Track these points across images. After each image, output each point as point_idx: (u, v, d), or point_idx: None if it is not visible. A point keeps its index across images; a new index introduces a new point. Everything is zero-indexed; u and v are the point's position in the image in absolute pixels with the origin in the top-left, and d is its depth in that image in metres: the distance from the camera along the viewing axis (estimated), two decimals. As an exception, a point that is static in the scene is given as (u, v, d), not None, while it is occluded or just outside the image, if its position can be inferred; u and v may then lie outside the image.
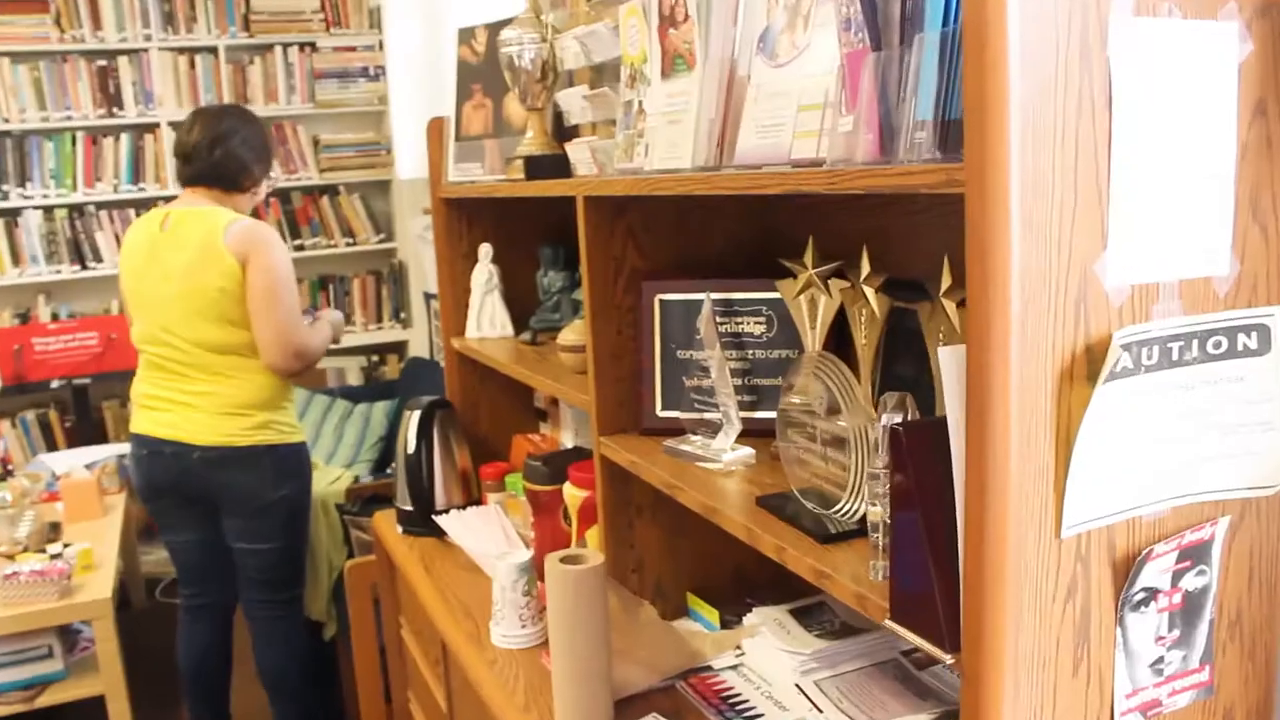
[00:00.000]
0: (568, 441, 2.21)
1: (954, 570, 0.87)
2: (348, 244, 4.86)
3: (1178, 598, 0.93)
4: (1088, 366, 0.83)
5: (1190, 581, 0.93)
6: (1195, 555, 0.93)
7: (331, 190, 4.85)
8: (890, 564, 0.95)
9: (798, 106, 1.19)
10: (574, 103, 1.80)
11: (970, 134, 0.78)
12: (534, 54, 1.83)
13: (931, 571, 0.88)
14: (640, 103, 1.52)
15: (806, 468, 1.24)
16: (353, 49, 4.77)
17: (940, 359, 0.85)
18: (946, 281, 1.14)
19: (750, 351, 1.55)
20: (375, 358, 5.01)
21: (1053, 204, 0.79)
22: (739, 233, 1.66)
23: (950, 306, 1.14)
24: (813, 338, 1.44)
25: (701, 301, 1.54)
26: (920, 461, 0.88)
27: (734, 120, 1.34)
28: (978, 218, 0.79)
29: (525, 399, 2.40)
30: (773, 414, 1.53)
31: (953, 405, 0.84)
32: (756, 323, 1.55)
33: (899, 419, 0.99)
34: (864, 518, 1.13)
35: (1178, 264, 0.86)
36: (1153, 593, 0.91)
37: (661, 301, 1.56)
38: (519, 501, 2.08)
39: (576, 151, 1.76)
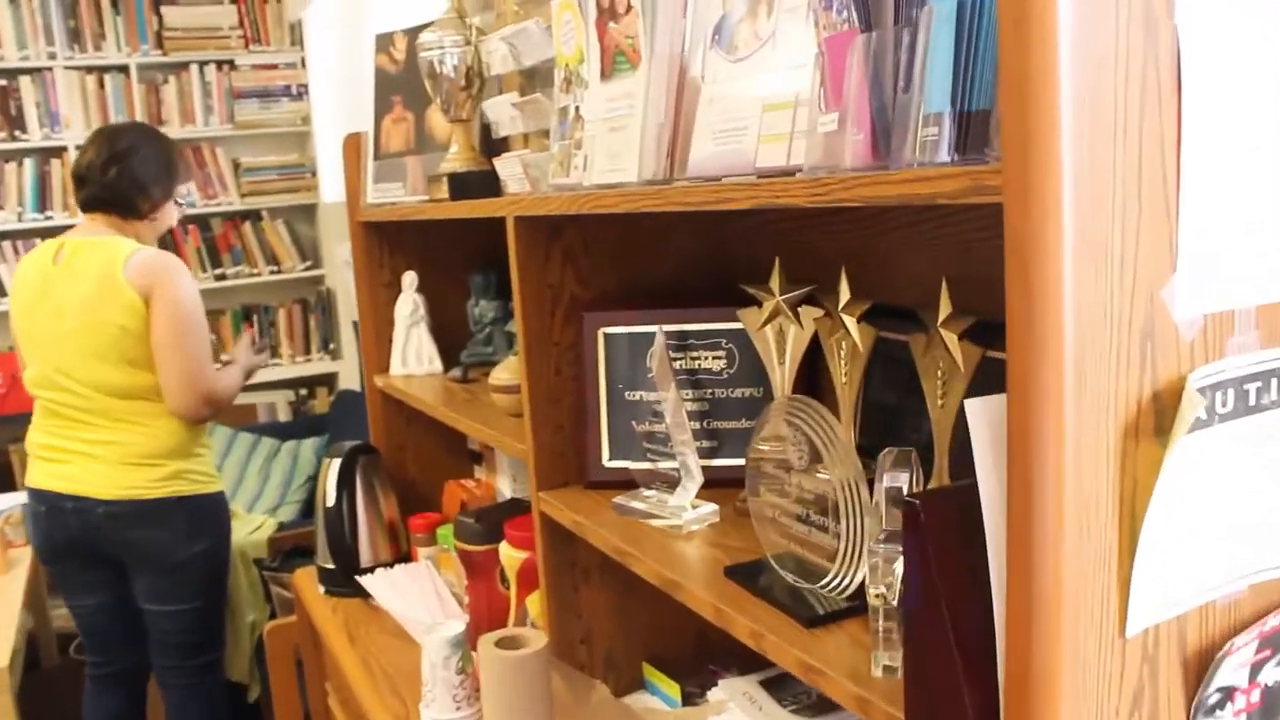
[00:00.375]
0: (505, 487, 2.00)
1: (989, 676, 0.69)
2: (272, 272, 4.60)
3: (1256, 695, 0.75)
4: (1155, 418, 0.65)
5: (1271, 674, 0.75)
6: (1277, 643, 0.75)
7: (254, 215, 4.59)
8: (905, 665, 0.76)
9: (763, 107, 1.01)
10: (503, 112, 1.60)
11: (1010, 126, 0.60)
12: (457, 59, 1.64)
13: (960, 677, 0.70)
14: (577, 109, 1.34)
15: (783, 531, 1.05)
16: (274, 67, 4.52)
17: (970, 413, 0.66)
18: (946, 309, 0.97)
19: (709, 391, 1.36)
20: (304, 391, 4.75)
21: (1113, 214, 0.61)
22: (691, 255, 1.47)
23: (951, 339, 0.96)
24: (781, 374, 1.25)
25: (652, 335, 1.35)
26: (943, 540, 0.69)
27: (686, 126, 1.15)
28: (1020, 232, 0.61)
29: (458, 440, 2.19)
30: (735, 461, 1.35)
31: (987, 470, 0.66)
32: (715, 358, 1.36)
33: (902, 480, 0.81)
34: (858, 593, 0.94)
35: (1256, 286, 0.69)
36: (1229, 692, 0.73)
37: (606, 335, 1.37)
38: (452, 556, 1.87)
39: (506, 167, 1.57)
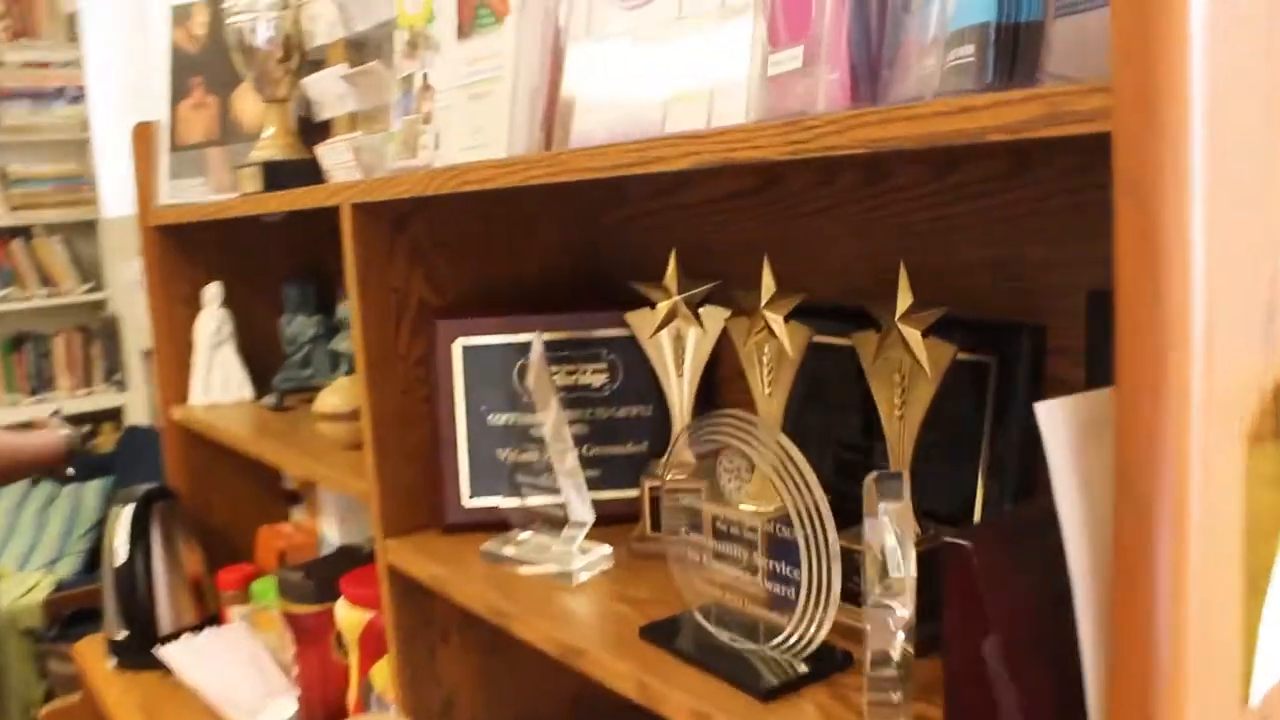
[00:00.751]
0: (331, 530, 1.73)
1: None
2: (48, 295, 4.11)
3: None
4: (1277, 420, 0.49)
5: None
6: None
7: (25, 232, 4.10)
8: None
9: (671, 58, 0.82)
10: (328, 89, 1.36)
11: (1125, 24, 0.43)
12: (274, 26, 1.38)
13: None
14: (425, 77, 1.11)
15: (710, 577, 0.85)
16: (45, 65, 4.05)
17: (1045, 422, 0.48)
18: (906, 299, 0.80)
19: (588, 411, 1.16)
20: (86, 428, 4.25)
21: (1253, 147, 0.45)
22: (559, 255, 1.27)
23: (914, 336, 0.79)
24: (680, 388, 1.06)
25: (518, 346, 1.14)
26: (1002, 592, 0.51)
27: (569, 89, 0.95)
28: (1136, 170, 0.43)
29: (271, 478, 1.90)
30: (622, 493, 1.15)
31: (1073, 497, 0.48)
32: (595, 371, 1.16)
33: (894, 506, 0.63)
34: (821, 652, 0.76)
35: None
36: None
37: (464, 348, 1.14)
38: (272, 615, 1.59)
39: (332, 154, 1.32)
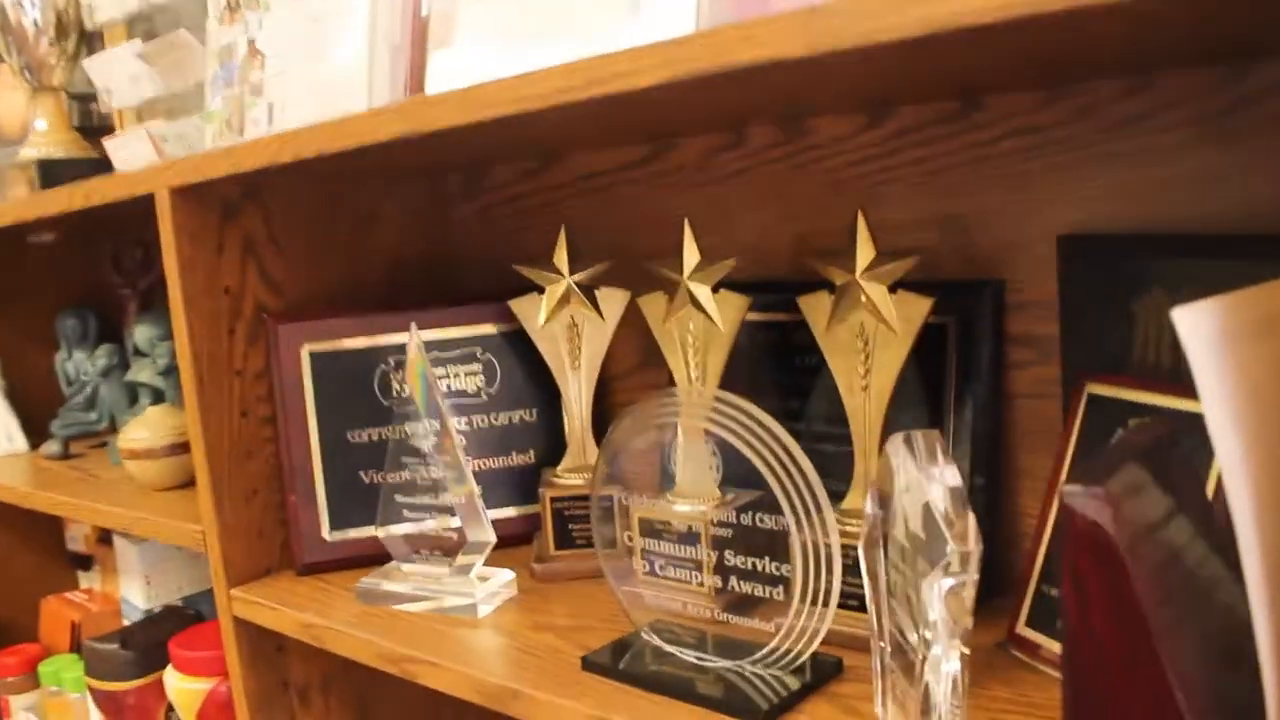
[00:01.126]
0: (135, 594, 1.49)
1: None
2: None
3: None
4: None
5: None
6: None
7: None
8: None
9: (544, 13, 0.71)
10: (119, 70, 1.15)
11: None
12: (44, 2, 1.17)
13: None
14: (252, 43, 0.95)
15: (661, 590, 0.73)
16: None
17: (1185, 330, 0.39)
18: (868, 251, 0.71)
19: (463, 419, 1.01)
20: None
21: None
22: (410, 248, 1.12)
23: (879, 292, 0.70)
24: (577, 383, 0.94)
25: (378, 350, 0.98)
26: (1143, 567, 0.41)
27: (440, 37, 0.82)
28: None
29: (52, 540, 1.63)
30: (512, 510, 1.01)
31: (1231, 416, 0.39)
32: (470, 374, 1.02)
33: (952, 476, 0.53)
34: (810, 664, 0.65)
35: None
36: None
37: (314, 356, 0.98)
38: (66, 702, 1.34)
39: (127, 148, 1.12)
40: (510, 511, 1.01)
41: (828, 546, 0.61)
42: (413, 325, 0.87)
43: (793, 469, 0.62)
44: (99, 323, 1.54)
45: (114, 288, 1.52)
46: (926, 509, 0.52)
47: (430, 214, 1.13)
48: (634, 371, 1.03)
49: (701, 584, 0.70)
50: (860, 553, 0.58)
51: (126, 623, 1.37)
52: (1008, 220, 0.76)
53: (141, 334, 1.33)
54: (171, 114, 1.16)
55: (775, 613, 0.65)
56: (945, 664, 0.51)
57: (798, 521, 0.62)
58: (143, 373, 1.33)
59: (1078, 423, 0.68)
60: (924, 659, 0.52)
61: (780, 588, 0.64)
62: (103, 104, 1.21)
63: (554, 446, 1.01)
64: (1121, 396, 0.66)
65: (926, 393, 0.78)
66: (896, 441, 0.54)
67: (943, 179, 0.78)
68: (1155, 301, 0.68)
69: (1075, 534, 0.41)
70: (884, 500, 0.58)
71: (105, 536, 1.51)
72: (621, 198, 1.00)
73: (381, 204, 1.08)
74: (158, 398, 1.29)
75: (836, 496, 0.70)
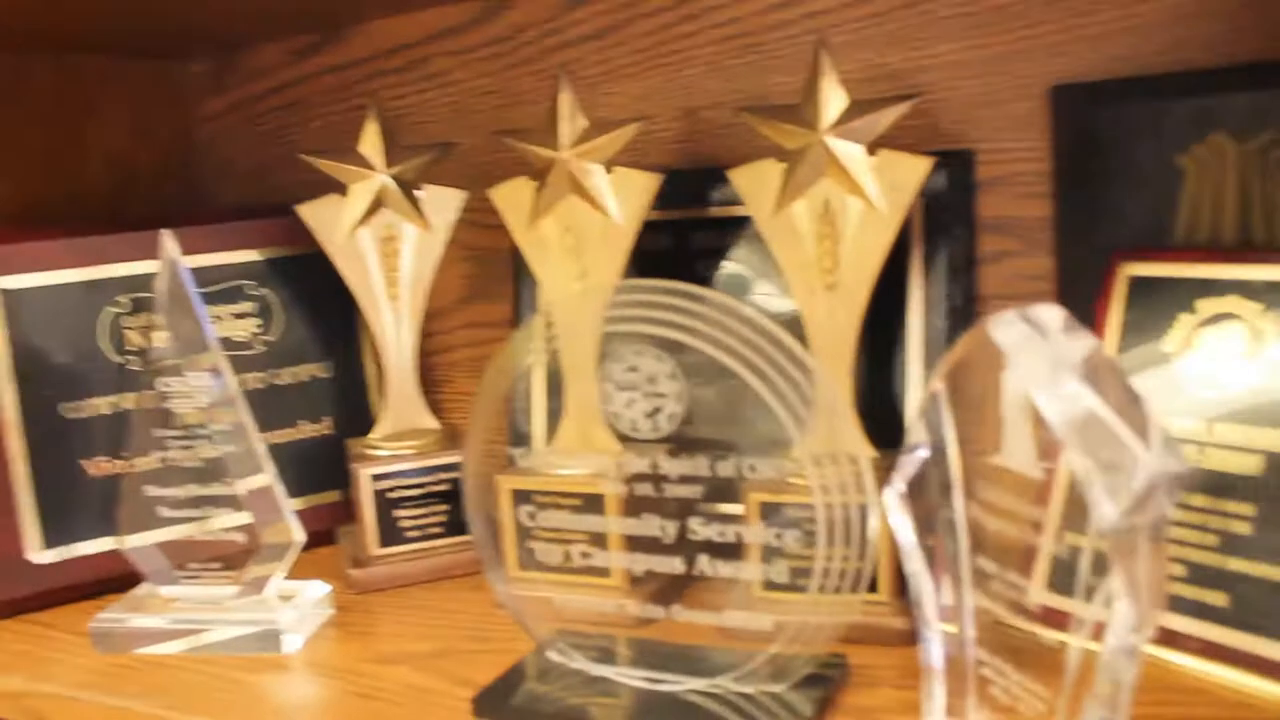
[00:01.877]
0: None
1: None
2: None
3: None
4: None
5: None
6: None
7: None
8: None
9: None
10: None
11: None
12: None
13: None
14: None
15: (572, 588, 0.51)
16: None
17: None
18: (837, 102, 0.51)
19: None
20: None
21: None
22: (138, 154, 0.83)
23: (854, 153, 0.51)
24: (395, 316, 0.71)
25: (108, 282, 0.70)
26: None
27: None
28: None
29: None
30: (307, 500, 0.75)
31: None
32: (239, 316, 0.75)
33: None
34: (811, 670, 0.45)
35: None
36: None
37: (7, 295, 0.68)
38: None
39: None
40: (297, 504, 0.74)
41: (861, 507, 0.41)
42: (165, 235, 0.59)
43: (792, 368, 0.42)
44: None
45: None
46: (1087, 418, 0.32)
47: (168, 109, 0.84)
48: (457, 307, 0.80)
49: (649, 571, 0.49)
50: (893, 506, 0.38)
51: None
52: (969, 75, 0.60)
53: None
54: None
55: (734, 602, 0.45)
56: (1135, 649, 0.32)
57: (826, 475, 0.41)
58: None
59: (1120, 316, 0.52)
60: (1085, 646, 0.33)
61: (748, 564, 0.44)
62: None
63: (358, 411, 0.77)
64: (1183, 274, 0.50)
65: (882, 296, 0.60)
66: (1010, 321, 0.35)
67: (883, 29, 0.61)
68: (1215, 147, 0.53)
69: None
70: (934, 429, 0.39)
71: None
72: (441, 76, 0.76)
73: (101, 93, 0.79)
74: None
75: (779, 444, 0.49)
